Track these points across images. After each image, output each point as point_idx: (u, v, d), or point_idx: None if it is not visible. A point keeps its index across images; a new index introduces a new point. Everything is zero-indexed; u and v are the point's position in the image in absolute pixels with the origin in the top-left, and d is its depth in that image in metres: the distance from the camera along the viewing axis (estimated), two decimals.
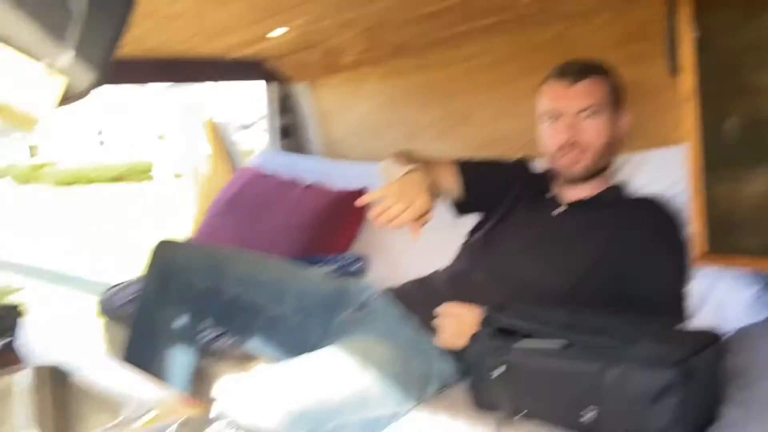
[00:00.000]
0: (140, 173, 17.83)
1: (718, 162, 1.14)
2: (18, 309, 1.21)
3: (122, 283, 2.26)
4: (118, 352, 1.58)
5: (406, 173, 1.35)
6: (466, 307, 1.31)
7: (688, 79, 1.15)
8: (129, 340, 1.50)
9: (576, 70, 1.44)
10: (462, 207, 1.65)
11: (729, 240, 1.16)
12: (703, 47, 1.12)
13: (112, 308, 2.08)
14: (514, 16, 1.79)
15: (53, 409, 1.04)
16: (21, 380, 1.05)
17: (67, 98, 0.63)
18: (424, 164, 1.42)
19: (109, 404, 0.90)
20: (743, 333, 1.26)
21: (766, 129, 1.06)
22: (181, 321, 1.46)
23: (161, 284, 1.43)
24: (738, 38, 1.08)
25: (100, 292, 2.20)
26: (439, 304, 1.37)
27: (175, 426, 0.67)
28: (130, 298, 2.05)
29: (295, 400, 1.06)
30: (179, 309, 1.44)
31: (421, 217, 1.30)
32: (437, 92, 2.23)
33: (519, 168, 1.68)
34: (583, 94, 1.42)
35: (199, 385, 1.68)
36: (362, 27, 1.93)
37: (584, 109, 1.42)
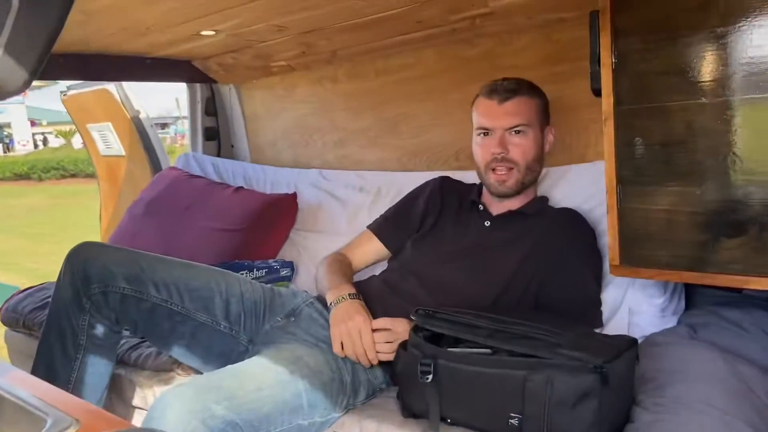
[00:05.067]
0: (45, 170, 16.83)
1: (631, 179, 1.22)
2: None
3: (30, 288, 2.14)
4: (23, 363, 1.50)
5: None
6: (395, 320, 1.33)
7: (606, 101, 1.22)
8: (39, 350, 1.42)
9: (505, 89, 1.50)
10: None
11: (640, 252, 1.23)
12: (619, 71, 1.20)
13: (17, 315, 1.96)
14: (445, 31, 1.84)
15: None
16: None
17: None
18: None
19: (26, 419, 0.84)
20: (652, 340, 1.35)
21: (675, 149, 1.15)
22: (99, 329, 1.40)
23: (77, 290, 1.36)
24: (650, 64, 1.16)
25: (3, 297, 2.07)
26: (373, 309, 1.40)
27: None
28: (40, 304, 1.94)
29: (224, 410, 1.03)
30: (96, 316, 1.38)
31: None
32: (369, 100, 2.25)
33: (439, 185, 1.71)
34: (512, 112, 1.48)
35: (116, 396, 1.61)
36: (295, 32, 1.92)
37: (513, 127, 1.48)
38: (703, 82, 1.10)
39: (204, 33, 1.90)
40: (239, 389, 1.09)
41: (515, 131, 1.48)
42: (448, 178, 1.75)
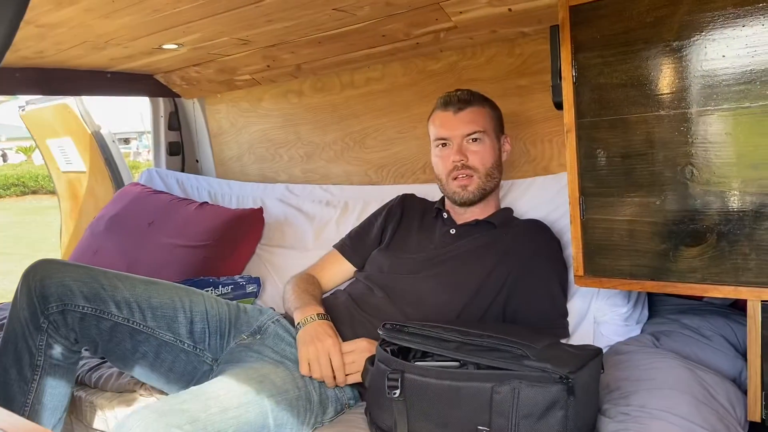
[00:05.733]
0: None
1: (593, 190, 1.23)
2: None
3: None
4: None
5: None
6: (356, 342, 1.33)
7: (567, 114, 1.24)
8: None
9: (459, 99, 1.54)
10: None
11: (603, 262, 1.25)
12: (579, 84, 1.22)
13: None
14: (410, 45, 1.85)
15: None
16: None
17: None
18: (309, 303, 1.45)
19: None
20: (617, 349, 1.37)
21: (635, 160, 1.17)
22: (56, 349, 1.35)
23: (34, 309, 1.32)
24: (610, 77, 1.19)
25: None
26: (340, 325, 1.40)
27: None
28: None
29: (195, 428, 1.00)
30: (54, 336, 1.33)
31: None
32: (335, 114, 2.25)
33: (400, 201, 1.74)
34: (467, 120, 1.52)
35: (75, 420, 1.56)
36: (259, 46, 1.91)
37: (469, 134, 1.51)
38: (660, 94, 1.12)
39: (166, 47, 1.87)
40: (202, 412, 1.06)
41: (472, 139, 1.52)
42: (411, 195, 1.77)
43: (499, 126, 1.58)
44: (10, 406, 1.32)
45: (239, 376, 1.20)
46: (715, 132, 1.08)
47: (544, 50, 1.58)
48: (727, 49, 1.05)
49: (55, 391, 1.35)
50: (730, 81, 1.05)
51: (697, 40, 1.08)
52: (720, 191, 1.08)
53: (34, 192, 15.77)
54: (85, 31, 1.65)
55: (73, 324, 1.33)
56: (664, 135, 1.13)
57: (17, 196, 15.83)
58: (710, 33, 1.06)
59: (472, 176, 1.52)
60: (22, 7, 0.59)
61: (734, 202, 1.07)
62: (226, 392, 1.13)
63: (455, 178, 1.53)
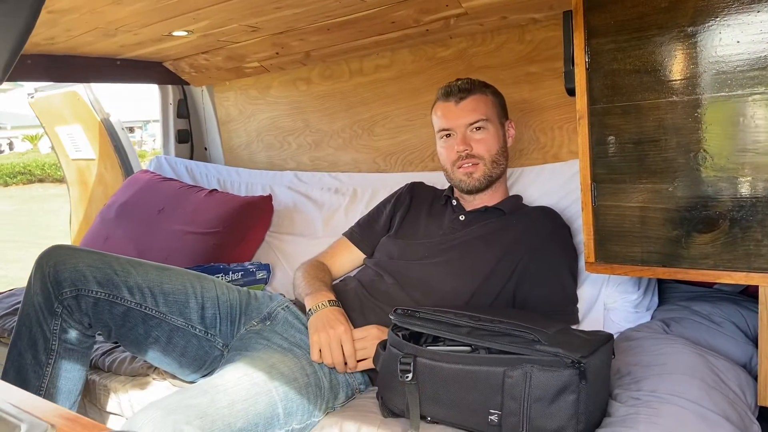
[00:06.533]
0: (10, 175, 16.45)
1: (605, 177, 1.24)
2: None
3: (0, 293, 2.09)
4: None
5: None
6: (366, 329, 1.34)
7: (580, 100, 1.23)
8: (9, 356, 1.38)
9: (460, 89, 1.54)
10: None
11: (614, 249, 1.25)
12: (592, 70, 1.22)
13: None
14: (419, 32, 1.85)
15: None
16: None
17: None
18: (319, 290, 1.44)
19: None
20: (627, 335, 1.37)
21: (647, 147, 1.17)
22: (71, 334, 1.36)
23: (48, 294, 1.33)
24: (623, 63, 1.18)
25: None
26: (351, 312, 1.40)
27: None
28: (9, 310, 1.90)
29: (195, 429, 1.00)
30: (68, 320, 1.35)
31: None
32: (344, 101, 2.25)
33: (409, 188, 1.74)
34: (469, 109, 1.52)
35: (89, 403, 1.58)
36: (268, 33, 1.90)
37: (472, 123, 1.51)
38: (673, 80, 1.12)
39: (175, 34, 1.87)
40: (210, 406, 1.06)
41: (476, 128, 1.52)
42: (420, 182, 1.77)
43: (502, 111, 1.58)
44: (24, 390, 1.33)
45: (247, 366, 1.20)
46: (728, 118, 1.07)
47: (555, 37, 1.58)
48: (741, 35, 1.05)
49: (69, 375, 1.37)
50: (744, 67, 1.05)
51: (711, 25, 1.07)
52: (733, 177, 1.08)
53: (40, 180, 15.84)
54: (96, 18, 1.65)
55: (86, 309, 1.34)
56: (677, 121, 1.13)
57: (24, 184, 15.89)
58: (724, 18, 1.06)
59: (477, 164, 1.52)
60: None
61: (747, 189, 1.07)
62: (233, 384, 1.13)
63: (460, 167, 1.53)
